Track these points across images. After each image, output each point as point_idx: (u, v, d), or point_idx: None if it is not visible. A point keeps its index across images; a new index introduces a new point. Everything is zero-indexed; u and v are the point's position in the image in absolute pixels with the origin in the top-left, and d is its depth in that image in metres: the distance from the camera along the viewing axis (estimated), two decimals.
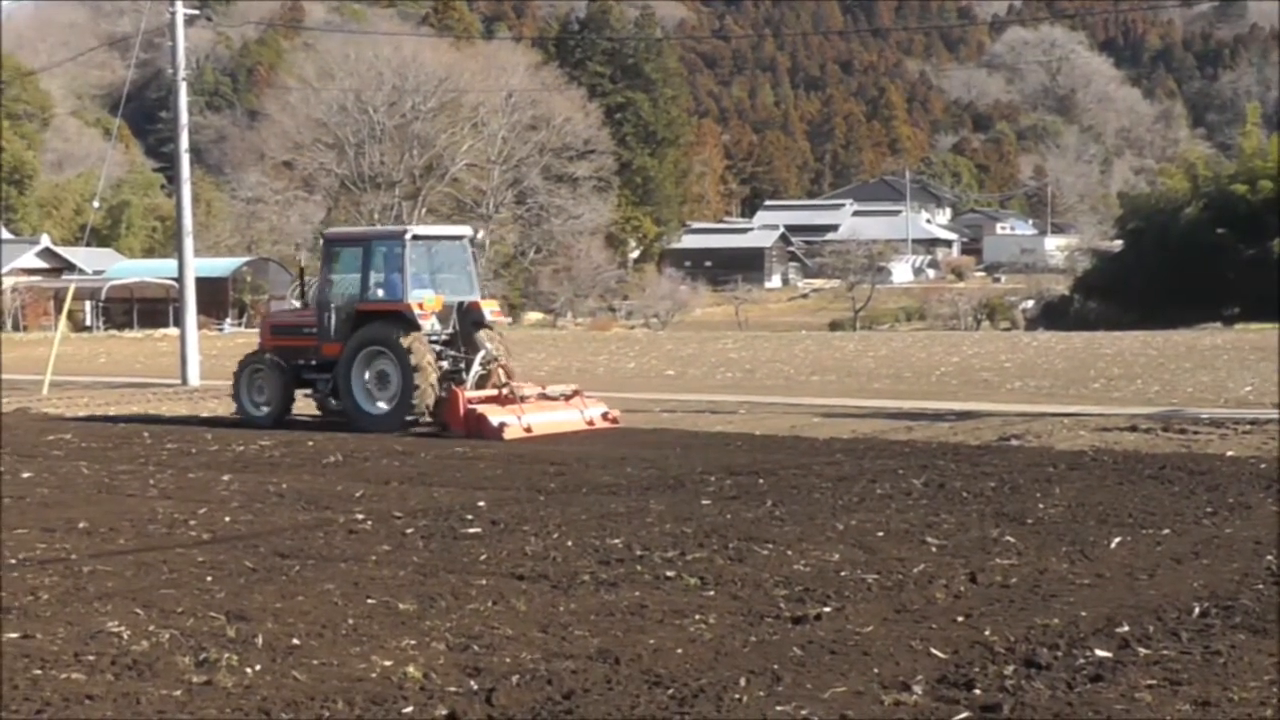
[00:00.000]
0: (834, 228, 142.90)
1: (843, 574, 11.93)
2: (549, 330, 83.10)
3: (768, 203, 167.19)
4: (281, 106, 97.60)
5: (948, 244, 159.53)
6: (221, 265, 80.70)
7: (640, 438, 22.75)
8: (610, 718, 8.23)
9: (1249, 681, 8.74)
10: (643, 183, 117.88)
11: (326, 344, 25.51)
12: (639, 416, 26.27)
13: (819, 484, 17.03)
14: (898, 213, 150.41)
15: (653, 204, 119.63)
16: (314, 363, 25.80)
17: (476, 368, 25.05)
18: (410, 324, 24.51)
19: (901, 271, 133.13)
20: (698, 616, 10.48)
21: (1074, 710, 8.21)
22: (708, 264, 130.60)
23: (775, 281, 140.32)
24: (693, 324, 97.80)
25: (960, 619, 10.33)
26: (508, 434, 23.00)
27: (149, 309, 79.16)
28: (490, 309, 25.73)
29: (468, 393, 24.27)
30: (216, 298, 74.38)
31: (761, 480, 17.42)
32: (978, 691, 8.59)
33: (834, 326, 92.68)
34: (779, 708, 8.32)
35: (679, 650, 9.57)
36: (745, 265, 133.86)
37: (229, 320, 77.26)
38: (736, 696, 8.53)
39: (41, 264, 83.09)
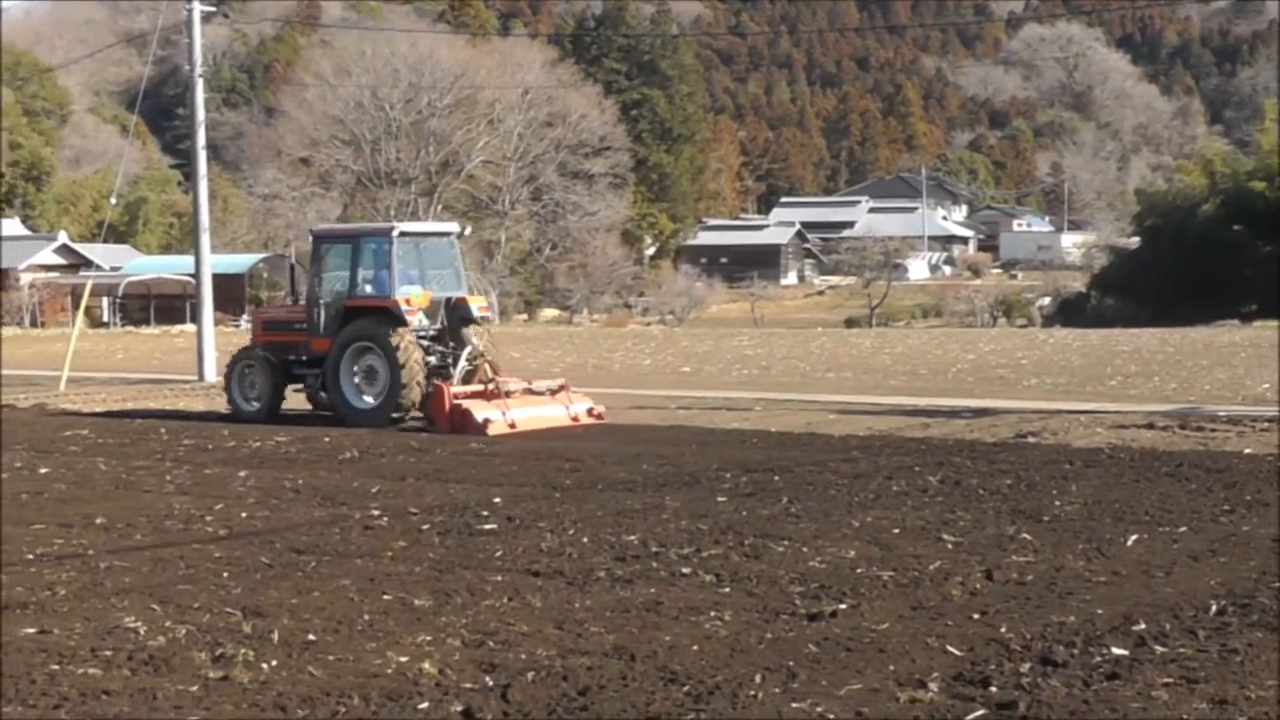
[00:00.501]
0: (850, 225, 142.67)
1: (858, 571, 11.92)
2: (565, 327, 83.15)
3: (784, 199, 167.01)
4: (298, 103, 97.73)
5: (964, 241, 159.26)
6: (238, 261, 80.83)
7: (656, 434, 22.74)
8: (626, 714, 8.22)
9: (1266, 680, 8.71)
10: (658, 179, 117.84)
11: (316, 339, 25.82)
12: (654, 413, 26.28)
13: (835, 481, 17.02)
14: (914, 210, 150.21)
15: (668, 200, 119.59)
16: (304, 358, 26.11)
17: (463, 363, 25.38)
18: (398, 320, 24.82)
19: (918, 268, 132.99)
20: (713, 613, 10.48)
21: (1090, 708, 8.20)
22: (723, 261, 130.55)
23: (791, 278, 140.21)
24: (708, 321, 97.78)
25: (976, 616, 10.32)
26: (492, 429, 23.21)
27: (166, 305, 79.31)
28: (477, 305, 26.10)
29: (454, 388, 24.49)
30: (233, 294, 74.44)
31: (777, 477, 17.41)
32: (994, 689, 8.58)
33: (850, 323, 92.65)
34: (794, 705, 8.31)
35: (694, 647, 9.57)
36: (761, 262, 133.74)
37: (245, 316, 77.32)
38: (752, 693, 8.53)
39: (59, 260, 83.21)
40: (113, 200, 50.80)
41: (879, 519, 14.34)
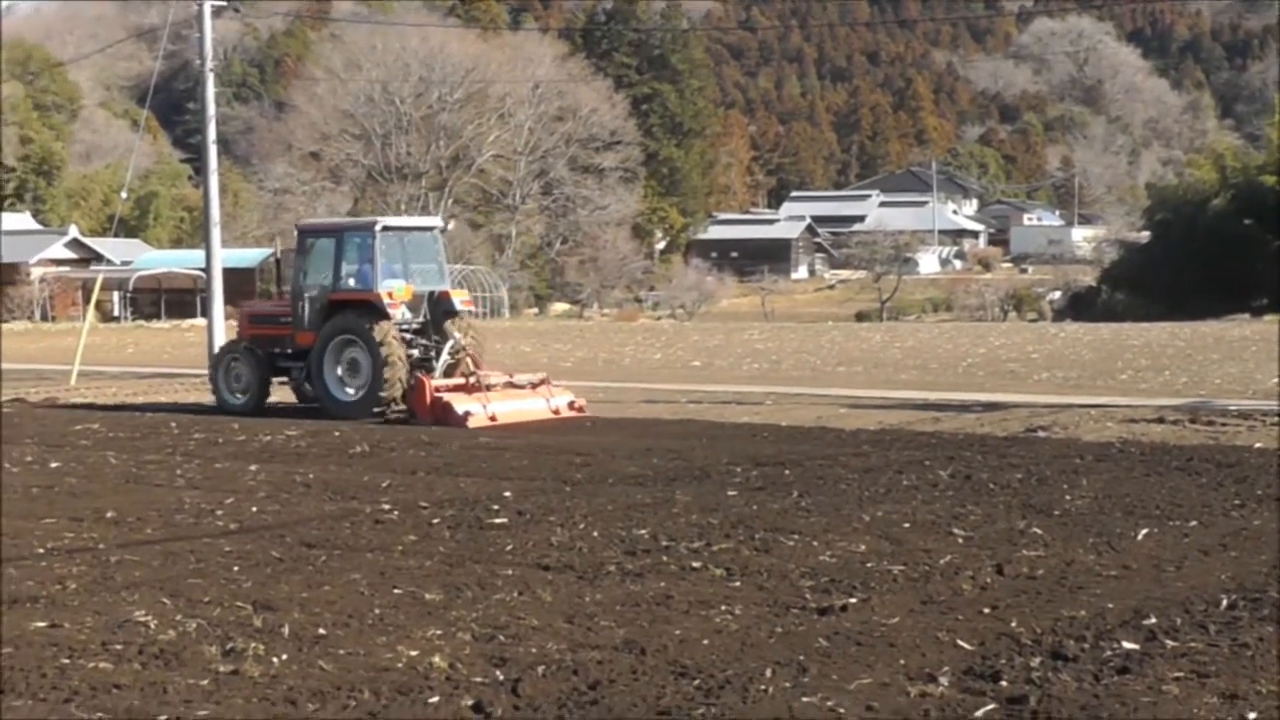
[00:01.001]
0: (860, 219, 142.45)
1: (869, 565, 11.91)
2: (575, 321, 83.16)
3: (794, 194, 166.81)
4: (309, 98, 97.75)
5: (974, 235, 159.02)
6: (249, 256, 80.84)
7: (666, 428, 22.75)
8: (636, 708, 8.22)
9: (1276, 674, 8.70)
10: (669, 173, 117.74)
11: (301, 333, 26.15)
12: (665, 408, 26.29)
13: (845, 475, 17.00)
14: (924, 204, 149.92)
15: (679, 195, 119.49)
16: (289, 351, 26.41)
17: (445, 356, 25.65)
18: (380, 313, 25.13)
19: (928, 262, 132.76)
20: (724, 607, 10.47)
21: (1101, 702, 8.18)
22: (734, 255, 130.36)
23: (802, 272, 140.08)
24: (719, 315, 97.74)
25: (987, 610, 10.31)
26: (472, 422, 23.45)
27: (176, 299, 79.37)
28: (460, 298, 26.45)
29: (435, 381, 24.72)
30: (243, 288, 74.46)
31: (788, 471, 17.40)
32: (1004, 683, 8.57)
33: (860, 317, 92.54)
34: (805, 699, 8.31)
35: (705, 641, 9.56)
36: (771, 256, 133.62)
37: None
38: (762, 687, 8.52)
39: (70, 254, 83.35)
40: (123, 195, 50.99)
41: (889, 513, 14.33)
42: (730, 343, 47.92)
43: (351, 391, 25.31)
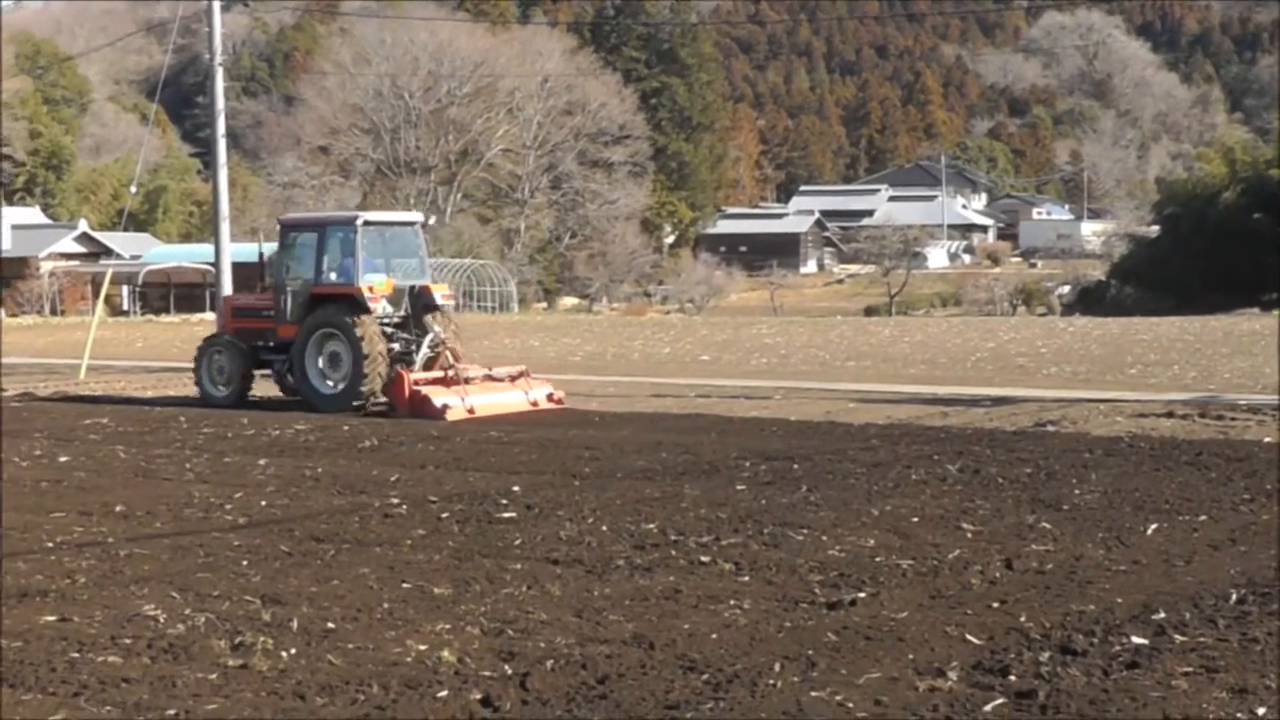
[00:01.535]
0: (869, 213, 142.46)
1: (878, 560, 11.91)
2: (584, 315, 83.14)
3: (803, 188, 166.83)
4: (318, 92, 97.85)
5: (983, 229, 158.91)
6: (258, 250, 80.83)
7: (675, 423, 22.74)
8: (644, 703, 8.23)
9: None
10: (678, 168, 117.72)
11: (283, 326, 26.40)
12: (674, 402, 26.29)
13: (854, 470, 17.00)
14: (933, 198, 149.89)
15: (688, 189, 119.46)
16: (272, 344, 26.66)
17: (425, 350, 25.88)
18: (361, 307, 25.35)
19: (937, 257, 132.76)
20: (732, 602, 10.47)
21: (1110, 697, 8.18)
22: (743, 249, 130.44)
23: (810, 267, 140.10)
24: (728, 309, 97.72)
25: (995, 605, 10.31)
26: (450, 415, 23.68)
27: (186, 293, 79.43)
28: (440, 293, 26.61)
29: (415, 374, 24.92)
30: (252, 282, 74.48)
31: (796, 466, 17.39)
32: (1013, 678, 8.57)
33: (869, 312, 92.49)
34: (813, 693, 8.31)
35: (713, 635, 9.57)
36: (780, 250, 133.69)
37: None
38: (771, 682, 8.52)
39: (79, 249, 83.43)
40: (133, 189, 51.00)
41: (898, 507, 14.32)
42: (739, 337, 47.88)
43: (332, 384, 25.55)
